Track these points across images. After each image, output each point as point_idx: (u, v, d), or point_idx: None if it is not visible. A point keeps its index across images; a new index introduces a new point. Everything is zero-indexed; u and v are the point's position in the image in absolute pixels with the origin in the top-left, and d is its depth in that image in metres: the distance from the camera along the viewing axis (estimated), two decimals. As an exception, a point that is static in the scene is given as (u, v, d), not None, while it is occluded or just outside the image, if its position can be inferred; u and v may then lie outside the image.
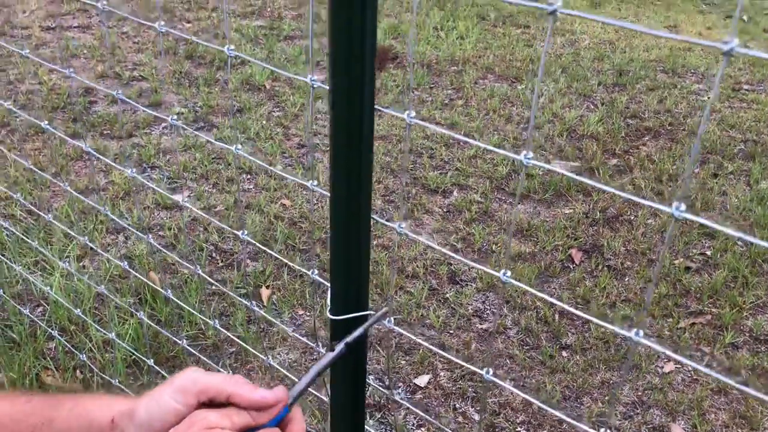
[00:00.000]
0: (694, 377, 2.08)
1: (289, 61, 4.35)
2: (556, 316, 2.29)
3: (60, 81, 3.89)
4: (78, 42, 4.43)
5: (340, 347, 0.80)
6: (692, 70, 4.57)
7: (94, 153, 1.34)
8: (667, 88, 4.24)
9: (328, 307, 0.94)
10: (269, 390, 0.69)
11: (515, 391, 0.82)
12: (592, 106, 3.97)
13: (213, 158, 3.20)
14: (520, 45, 4.84)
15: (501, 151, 0.71)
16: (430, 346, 0.87)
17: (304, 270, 1.08)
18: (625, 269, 2.57)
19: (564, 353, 2.15)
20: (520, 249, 2.65)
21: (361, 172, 0.81)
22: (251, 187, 3.00)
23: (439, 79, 4.25)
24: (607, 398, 1.99)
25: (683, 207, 0.60)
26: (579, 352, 2.15)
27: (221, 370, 1.83)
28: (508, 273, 0.77)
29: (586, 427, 0.80)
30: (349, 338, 0.82)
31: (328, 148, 2.71)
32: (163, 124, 3.51)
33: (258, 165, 3.14)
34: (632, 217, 2.90)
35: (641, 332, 0.68)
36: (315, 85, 0.84)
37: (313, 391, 1.76)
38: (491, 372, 0.86)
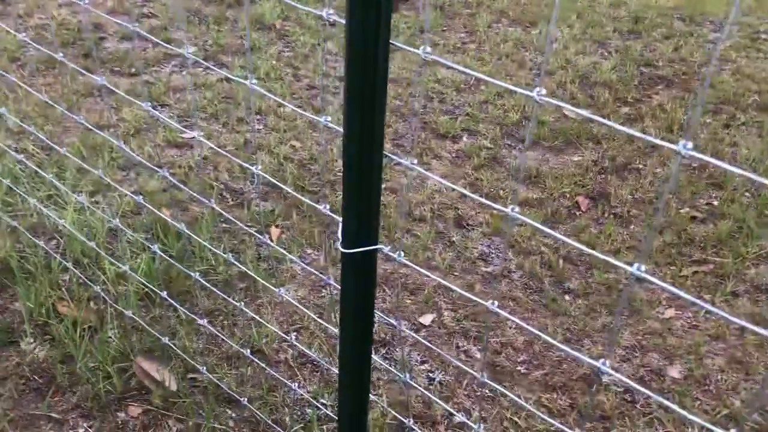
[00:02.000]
0: (694, 323, 2.12)
1: (300, 0, 4.28)
2: (560, 261, 2.32)
3: (70, 16, 3.86)
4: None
5: None
6: (710, 19, 4.49)
7: (109, 86, 1.35)
8: (683, 36, 4.17)
9: (339, 241, 0.97)
10: None
11: (519, 322, 0.85)
12: (606, 54, 3.92)
13: (223, 97, 3.19)
14: (535, -11, 4.75)
15: (514, 88, 0.72)
16: (434, 277, 0.90)
17: (316, 205, 1.10)
18: (631, 217, 2.59)
19: (567, 297, 2.19)
20: (528, 195, 2.67)
21: (374, 107, 0.83)
22: (261, 127, 3.01)
23: (452, 22, 4.20)
24: (607, 341, 2.04)
25: (690, 145, 0.62)
26: (581, 296, 2.19)
27: (236, 304, 1.88)
28: (517, 209, 0.79)
29: (587, 359, 0.83)
30: None
31: (337, 90, 2.73)
32: (173, 62, 3.49)
33: (268, 106, 3.14)
34: (640, 166, 2.90)
35: (642, 266, 0.70)
36: (331, 20, 0.84)
37: (323, 322, 1.80)
38: (496, 304, 0.89)
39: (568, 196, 2.69)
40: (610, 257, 2.20)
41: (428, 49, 0.77)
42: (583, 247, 0.71)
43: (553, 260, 2.33)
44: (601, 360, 0.80)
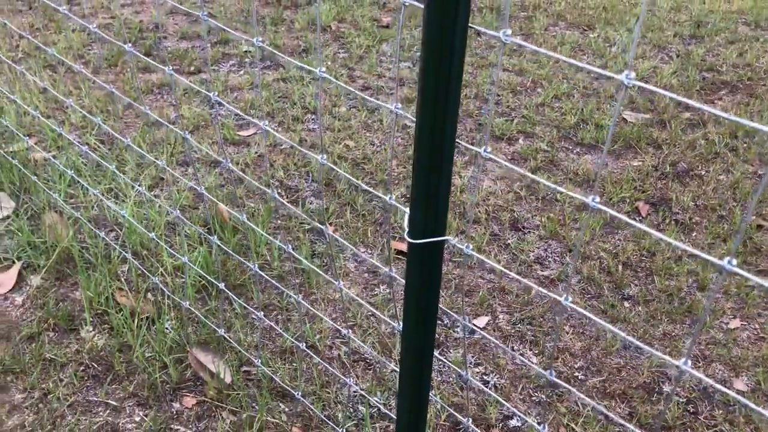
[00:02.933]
0: (760, 335, 2.04)
1: (356, 2, 4.30)
2: (620, 267, 2.26)
3: (131, 16, 3.95)
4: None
5: None
6: (776, 24, 4.35)
7: (173, 73, 1.36)
8: (748, 41, 4.05)
9: (406, 231, 0.95)
10: None
11: (588, 315, 0.82)
12: (667, 58, 3.83)
13: (279, 97, 3.22)
14: (593, -8, 4.67)
15: (600, 71, 0.70)
16: (501, 270, 0.87)
17: (381, 195, 1.09)
18: (693, 224, 2.51)
19: (626, 303, 2.13)
20: (574, 197, 2.61)
21: (449, 92, 0.81)
22: (315, 126, 3.02)
23: (508, 25, 4.16)
24: (668, 350, 1.97)
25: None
26: (641, 303, 2.13)
27: (291, 297, 1.89)
28: (597, 198, 0.77)
29: (668, 358, 0.80)
30: None
31: (392, 92, 2.72)
32: (231, 62, 3.54)
33: (323, 106, 3.15)
34: (703, 172, 2.81)
35: (734, 261, 0.66)
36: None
37: (386, 318, 1.78)
38: (569, 299, 0.86)
39: (627, 201, 2.62)
40: (672, 264, 2.13)
41: (508, 31, 0.75)
42: (674, 242, 0.68)
43: (612, 265, 2.27)
44: (683, 359, 0.76)
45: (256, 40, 1.09)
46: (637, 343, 0.82)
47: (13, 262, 2.12)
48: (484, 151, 0.86)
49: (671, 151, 2.93)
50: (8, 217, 2.30)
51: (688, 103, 0.63)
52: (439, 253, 0.96)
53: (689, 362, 0.75)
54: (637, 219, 2.54)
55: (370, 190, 1.05)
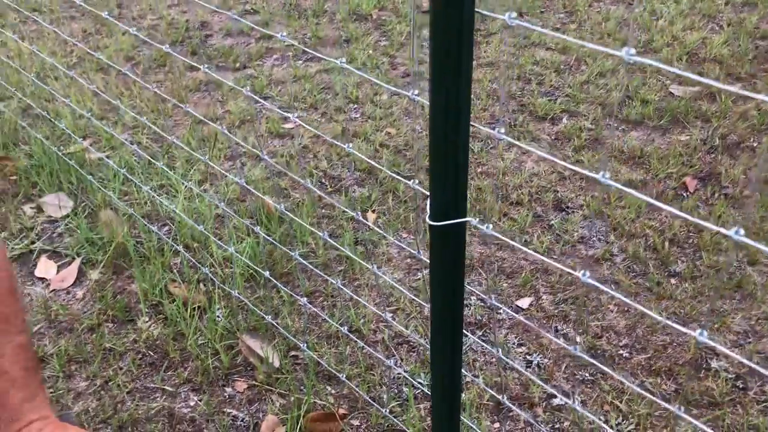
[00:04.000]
0: (815, 309, 1.99)
1: (396, -11, 4.31)
2: (666, 244, 2.23)
3: (178, 16, 4.06)
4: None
5: None
6: (835, -15, 4.16)
7: (207, 71, 1.42)
8: (804, 5, 3.89)
9: (427, 214, 0.98)
10: None
11: (609, 291, 0.83)
12: (717, 28, 3.71)
13: (321, 88, 3.27)
14: (639, -36, 4.56)
15: (602, 48, 0.71)
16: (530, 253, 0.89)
17: (405, 180, 1.12)
18: (744, 198, 2.45)
19: (672, 281, 2.11)
20: (631, 176, 2.58)
21: (460, 76, 0.83)
22: (357, 116, 3.06)
23: (551, 4, 4.10)
24: (716, 326, 1.94)
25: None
26: (688, 280, 2.10)
27: (335, 285, 1.93)
28: (607, 174, 0.78)
29: (701, 334, 0.81)
30: None
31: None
32: (275, 56, 3.61)
33: (365, 94, 3.18)
34: (755, 144, 2.73)
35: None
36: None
37: (421, 302, 1.82)
38: (587, 275, 0.88)
39: (674, 176, 2.58)
40: (720, 239, 2.09)
41: (513, 14, 0.76)
42: (705, 223, 0.69)
43: (658, 243, 2.24)
44: (698, 330, 0.77)
45: (281, 35, 1.13)
46: (658, 318, 0.83)
47: (73, 258, 2.23)
48: (498, 132, 0.88)
49: (721, 123, 2.86)
50: (68, 215, 2.41)
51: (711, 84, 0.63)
52: (461, 234, 0.98)
53: (705, 333, 0.76)
54: (685, 194, 2.49)
55: (395, 176, 1.08)
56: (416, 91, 0.96)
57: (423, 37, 3.74)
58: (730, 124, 2.85)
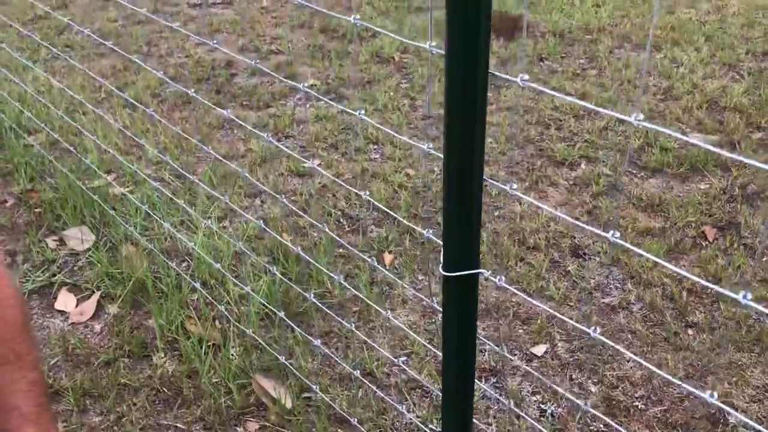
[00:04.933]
0: (836, 365, 1.96)
1: (418, 32, 4.38)
2: (684, 294, 2.22)
3: (204, 54, 4.15)
4: (221, 17, 4.70)
5: None
6: None
7: (236, 119, 1.45)
8: (826, 56, 3.89)
9: (440, 265, 0.99)
10: None
11: (632, 356, 0.84)
12: (737, 77, 3.73)
13: (342, 129, 3.31)
14: (660, 12, 4.60)
15: (609, 112, 0.72)
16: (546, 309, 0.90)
17: (418, 228, 1.13)
18: (764, 248, 2.43)
19: (690, 331, 2.09)
20: (650, 224, 2.57)
21: (475, 132, 0.85)
22: (377, 156, 3.09)
23: (572, 49, 4.14)
24: (734, 379, 1.91)
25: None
26: (706, 331, 2.08)
27: (349, 327, 1.94)
28: (617, 234, 0.79)
29: (711, 396, 0.81)
30: None
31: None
32: (297, 96, 3.67)
33: (384, 135, 3.22)
34: (776, 195, 2.72)
35: (749, 294, 0.67)
36: (433, 51, 0.88)
37: (432, 348, 1.82)
38: (598, 330, 0.88)
39: (693, 225, 2.57)
40: (739, 290, 2.08)
41: (526, 76, 0.78)
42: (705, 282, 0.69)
43: (676, 292, 2.22)
44: (708, 392, 0.77)
45: (303, 86, 1.16)
46: (674, 379, 0.83)
47: (93, 292, 2.26)
48: (510, 187, 0.90)
49: (741, 173, 2.85)
50: (89, 249, 2.45)
51: (723, 154, 0.65)
52: (474, 285, 0.99)
53: (715, 395, 0.76)
54: (704, 243, 2.48)
55: (407, 222, 1.09)
56: (430, 144, 0.98)
57: (443, 81, 3.78)
58: (749, 174, 2.85)
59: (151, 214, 2.51)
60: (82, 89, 3.68)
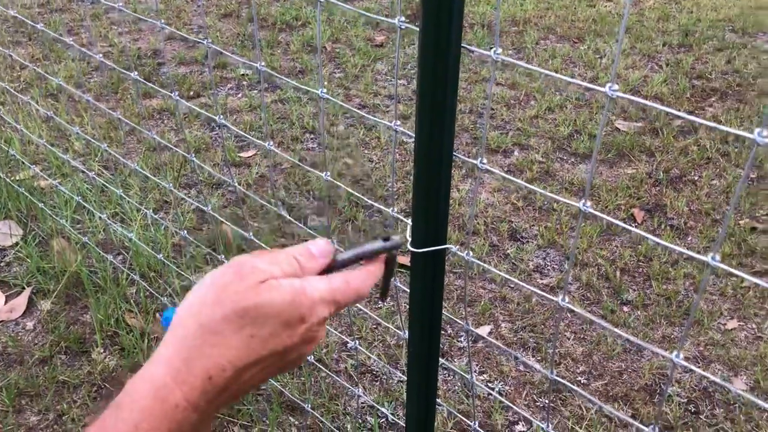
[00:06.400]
0: (757, 334, 2.08)
1: (349, 22, 4.38)
2: (618, 273, 2.31)
3: (129, 43, 4.02)
4: (144, 5, 4.55)
5: (390, 243, 0.70)
6: (764, 30, 4.43)
7: (178, 99, 1.42)
8: (736, 48, 4.12)
9: (409, 241, 1.00)
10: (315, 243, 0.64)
11: (589, 316, 0.87)
12: (657, 67, 3.90)
13: (277, 118, 3.28)
14: (582, 5, 4.76)
15: (587, 84, 0.75)
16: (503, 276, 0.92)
17: (384, 208, 1.14)
18: (688, 229, 2.56)
19: (625, 308, 2.18)
20: (564, 203, 2.66)
21: (445, 111, 0.86)
22: (314, 146, 3.07)
23: (500, 40, 4.23)
24: (668, 352, 2.01)
25: (766, 133, 0.63)
26: (640, 308, 2.17)
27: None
28: (588, 203, 0.82)
29: (662, 351, 0.84)
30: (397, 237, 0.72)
31: (388, 109, 2.78)
32: (229, 85, 3.60)
33: (320, 125, 3.20)
34: (696, 178, 2.86)
35: (717, 256, 0.71)
36: (402, 26, 0.88)
37: (391, 326, 1.81)
38: (567, 299, 0.91)
39: (623, 208, 2.67)
40: (669, 268, 2.17)
41: (499, 50, 0.80)
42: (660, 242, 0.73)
43: (610, 272, 2.31)
44: (675, 353, 0.81)
45: (260, 65, 1.14)
46: (638, 341, 0.87)
47: (23, 288, 2.16)
48: (480, 162, 0.91)
49: (664, 158, 2.99)
50: (17, 244, 2.34)
51: (670, 112, 0.68)
52: (441, 261, 1.01)
53: (681, 354, 0.80)
54: (633, 225, 2.58)
55: (375, 203, 1.10)
56: (398, 122, 0.99)
57: (376, 71, 3.80)
58: (672, 159, 2.99)
59: (85, 204, 2.42)
60: (-1, 78, 3.50)
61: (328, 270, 0.66)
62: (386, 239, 0.69)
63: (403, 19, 0.89)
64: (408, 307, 1.06)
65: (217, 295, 0.57)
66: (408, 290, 1.05)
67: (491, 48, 0.81)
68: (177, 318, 0.57)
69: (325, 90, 1.08)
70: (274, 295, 0.56)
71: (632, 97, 0.74)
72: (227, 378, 0.56)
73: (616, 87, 0.72)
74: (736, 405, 1.85)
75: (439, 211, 0.97)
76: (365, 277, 0.66)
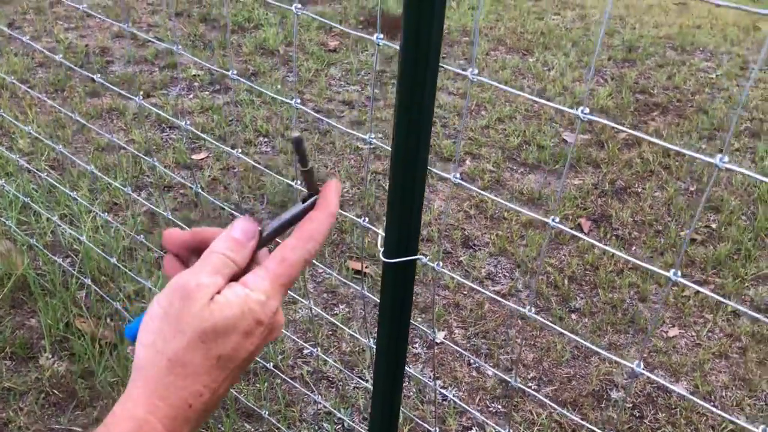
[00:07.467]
0: (697, 341, 2.18)
1: (302, 26, 4.37)
2: (566, 281, 2.38)
3: (76, 40, 3.92)
4: (92, 1, 4.45)
5: (311, 200, 0.67)
6: (701, 48, 4.62)
7: (145, 104, 1.40)
8: (675, 65, 4.29)
9: (381, 251, 1.02)
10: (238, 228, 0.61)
11: (549, 325, 0.90)
12: (602, 81, 4.02)
13: (230, 120, 3.25)
14: (531, 17, 4.87)
15: (560, 107, 0.78)
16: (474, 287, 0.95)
17: (355, 219, 1.15)
18: (633, 239, 2.65)
19: (573, 316, 2.24)
20: (530, 218, 2.73)
21: (421, 127, 0.89)
22: (269, 150, 3.06)
23: (451, 50, 4.29)
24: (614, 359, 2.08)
25: (726, 159, 0.67)
26: (587, 315, 2.24)
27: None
28: (557, 218, 0.85)
29: (624, 361, 0.88)
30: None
31: (341, 115, 2.80)
32: (180, 86, 3.55)
33: (275, 129, 3.19)
34: (639, 190, 2.97)
35: (679, 272, 0.75)
36: (380, 44, 0.90)
37: (354, 333, 1.82)
38: (533, 310, 0.94)
39: (570, 218, 2.75)
40: (614, 277, 2.24)
41: (475, 71, 0.83)
42: (624, 256, 0.77)
43: (558, 280, 2.38)
44: (636, 362, 0.85)
45: (232, 73, 1.14)
46: (595, 348, 0.91)
47: (-34, 291, 2.09)
48: (454, 176, 0.94)
49: (609, 169, 3.09)
50: (-42, 245, 2.26)
51: (627, 131, 0.72)
52: (412, 271, 1.03)
53: (641, 363, 0.84)
54: (580, 235, 2.67)
55: (345, 213, 1.11)
56: (372, 135, 1.01)
57: (330, 75, 3.80)
58: (617, 171, 3.09)
59: (31, 204, 2.35)
60: (-63, 72, 3.36)
61: (259, 246, 0.65)
62: (305, 199, 0.67)
63: (381, 36, 0.91)
64: (378, 315, 1.08)
65: (174, 325, 0.58)
66: (372, 298, 1.07)
67: (443, 57, 0.83)
68: (144, 358, 0.58)
69: (299, 101, 1.09)
70: (226, 313, 0.57)
71: (603, 120, 0.78)
72: (206, 401, 0.58)
73: (587, 110, 0.75)
74: (677, 409, 1.93)
75: (412, 222, 0.99)
76: (299, 244, 0.64)
